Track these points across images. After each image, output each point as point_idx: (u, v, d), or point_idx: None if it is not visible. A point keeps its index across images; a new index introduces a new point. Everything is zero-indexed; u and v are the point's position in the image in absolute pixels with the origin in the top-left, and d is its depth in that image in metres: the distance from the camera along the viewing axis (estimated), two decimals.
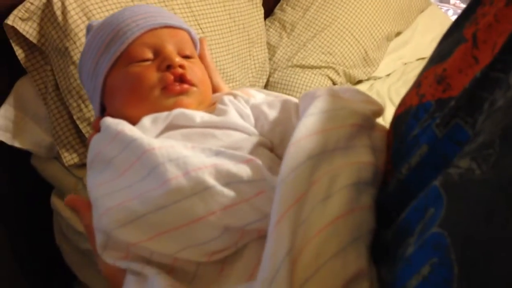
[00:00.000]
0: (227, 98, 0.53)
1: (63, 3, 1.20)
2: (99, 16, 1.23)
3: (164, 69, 0.52)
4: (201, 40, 0.61)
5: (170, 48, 0.54)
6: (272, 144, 0.47)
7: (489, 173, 0.24)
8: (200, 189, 0.38)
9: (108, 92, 0.55)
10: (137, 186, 0.40)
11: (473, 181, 0.24)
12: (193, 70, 0.54)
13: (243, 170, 0.39)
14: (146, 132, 0.47)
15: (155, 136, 0.48)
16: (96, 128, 0.53)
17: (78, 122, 1.23)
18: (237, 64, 1.64)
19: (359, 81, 1.92)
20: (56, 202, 1.34)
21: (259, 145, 0.46)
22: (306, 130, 0.35)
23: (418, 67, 2.04)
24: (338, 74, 1.81)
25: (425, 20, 2.19)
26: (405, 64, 2.07)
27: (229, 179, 0.39)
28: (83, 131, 1.23)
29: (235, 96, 0.54)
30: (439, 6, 2.56)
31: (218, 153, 0.41)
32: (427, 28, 2.17)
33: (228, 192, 0.38)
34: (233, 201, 0.38)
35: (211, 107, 0.54)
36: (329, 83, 1.78)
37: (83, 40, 1.21)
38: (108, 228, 0.39)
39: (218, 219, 0.38)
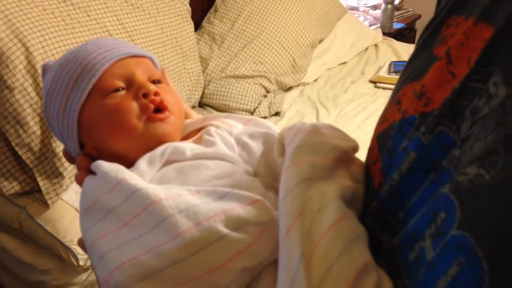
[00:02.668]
0: (213, 130, 0.55)
1: None
2: (31, 37, 1.19)
3: (140, 97, 0.53)
4: (162, 70, 0.63)
5: (141, 76, 0.54)
6: (255, 173, 0.50)
7: (499, 176, 0.26)
8: (214, 239, 0.38)
9: (85, 127, 0.54)
10: (147, 238, 0.40)
11: (485, 185, 0.27)
12: (166, 96, 0.55)
13: (252, 214, 0.40)
14: (144, 176, 0.47)
15: (152, 177, 0.49)
16: (82, 167, 0.53)
17: (17, 148, 1.17)
18: (172, 78, 1.64)
19: (290, 88, 2.01)
20: None
21: (246, 173, 0.49)
22: (295, 159, 0.40)
23: (341, 71, 2.18)
24: (271, 82, 1.88)
25: (343, 27, 2.33)
26: (329, 69, 2.20)
27: (240, 223, 0.39)
28: (24, 157, 1.17)
29: (217, 127, 0.56)
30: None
31: (223, 196, 0.42)
32: (346, 34, 2.31)
33: (241, 237, 0.39)
34: (247, 243, 0.39)
35: (197, 139, 0.55)
36: (263, 91, 1.84)
37: (16, 62, 1.16)
38: (123, 284, 0.39)
39: (235, 263, 0.39)
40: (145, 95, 0.53)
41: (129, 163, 0.50)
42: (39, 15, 1.25)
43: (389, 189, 0.37)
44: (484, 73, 0.32)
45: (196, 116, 0.63)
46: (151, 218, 0.41)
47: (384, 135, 0.40)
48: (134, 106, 0.52)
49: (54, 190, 1.20)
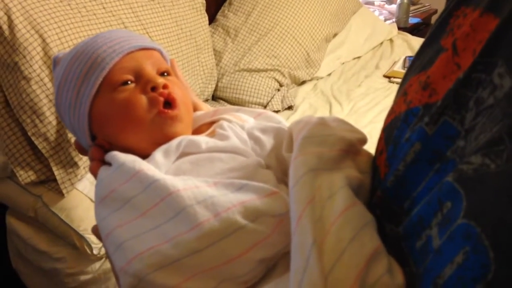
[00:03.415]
0: (226, 124, 0.55)
1: (9, 17, 1.16)
2: (48, 28, 1.20)
3: (149, 91, 0.53)
4: (172, 62, 0.63)
5: (150, 70, 0.55)
6: (267, 166, 0.50)
7: (504, 165, 0.26)
8: (232, 230, 0.39)
9: (96, 121, 0.55)
10: (165, 228, 0.41)
11: (491, 174, 0.27)
12: (175, 89, 0.55)
13: (269, 205, 0.41)
14: (160, 167, 0.48)
15: (168, 169, 0.49)
16: (95, 158, 0.54)
17: (33, 138, 1.19)
18: (187, 71, 1.65)
19: (303, 82, 2.00)
20: (12, 222, 1.28)
21: (259, 166, 0.49)
22: (303, 149, 0.41)
23: (355, 66, 2.17)
24: (284, 76, 1.88)
25: (358, 21, 2.31)
26: (343, 63, 2.19)
27: (257, 215, 0.40)
28: (39, 147, 1.19)
29: (229, 121, 0.56)
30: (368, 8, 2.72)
31: (241, 187, 0.43)
32: (360, 29, 2.30)
33: (259, 228, 0.40)
34: (264, 235, 0.40)
35: (211, 132, 0.56)
36: (276, 84, 1.84)
37: (33, 53, 1.18)
38: (142, 273, 0.39)
39: (252, 254, 0.40)
40: (154, 89, 0.53)
41: (141, 157, 0.50)
42: (56, 7, 1.26)
43: (394, 179, 0.37)
44: (489, 64, 0.32)
45: (206, 107, 0.63)
46: (169, 209, 0.41)
47: (390, 126, 0.40)
48: (143, 100, 0.53)
49: (69, 179, 1.21)
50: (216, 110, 0.59)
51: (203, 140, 0.52)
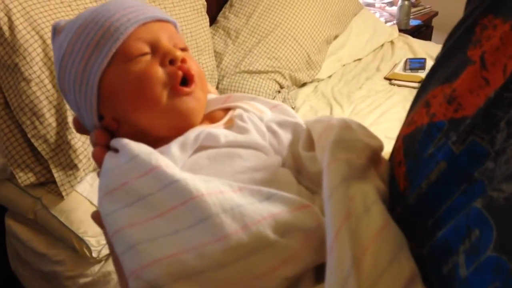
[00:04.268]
0: (245, 115, 0.52)
1: (9, 18, 1.15)
2: (48, 30, 1.20)
3: (167, 64, 0.49)
4: None
5: (167, 42, 0.51)
6: (283, 164, 0.49)
7: None
8: (262, 245, 0.37)
9: (106, 95, 0.50)
10: (186, 235, 0.38)
11: None
12: (193, 65, 0.51)
13: (301, 219, 0.38)
14: (177, 161, 0.45)
15: (184, 163, 0.46)
16: (100, 142, 0.50)
17: (33, 140, 1.18)
18: None
19: (304, 84, 2.00)
20: (11, 224, 1.28)
21: (279, 165, 0.47)
22: (335, 154, 0.39)
23: (356, 68, 2.16)
24: (285, 78, 1.87)
25: (359, 23, 2.31)
26: (344, 65, 2.18)
27: (288, 229, 0.38)
28: (39, 149, 1.19)
29: (246, 110, 0.53)
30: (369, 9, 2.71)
31: (269, 197, 0.40)
32: (361, 31, 2.29)
33: (289, 243, 0.37)
34: (293, 250, 0.38)
35: (228, 122, 0.52)
36: (277, 86, 1.84)
37: (34, 55, 1.17)
38: (159, 281, 0.37)
39: (280, 271, 0.37)
40: (172, 62, 0.49)
41: (151, 140, 0.48)
42: (57, 8, 1.26)
43: (416, 197, 0.36)
44: None
45: (213, 90, 0.60)
46: (191, 214, 0.39)
47: (411, 138, 0.39)
48: (160, 72, 0.49)
49: (69, 181, 1.21)
50: (229, 96, 0.56)
51: (222, 133, 0.48)
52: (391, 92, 1.90)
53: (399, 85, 1.96)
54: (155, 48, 0.50)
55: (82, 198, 1.22)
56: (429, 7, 3.06)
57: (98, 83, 0.50)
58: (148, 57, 0.50)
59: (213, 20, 1.97)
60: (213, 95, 0.57)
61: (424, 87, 0.42)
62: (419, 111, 0.39)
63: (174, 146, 0.46)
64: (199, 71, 0.52)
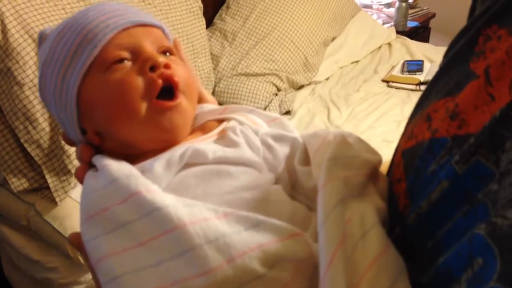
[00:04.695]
0: (238, 128, 0.49)
1: (2, 22, 1.14)
2: None
3: (147, 70, 0.45)
4: (175, 41, 0.55)
5: (149, 47, 0.47)
6: (277, 179, 0.46)
7: None
8: (249, 279, 0.35)
9: (85, 108, 0.47)
10: (169, 267, 0.36)
11: None
12: (178, 71, 0.48)
13: (291, 249, 0.36)
14: (160, 181, 0.42)
15: (169, 182, 0.44)
16: (84, 159, 0.47)
17: (26, 145, 1.16)
18: None
19: (301, 86, 1.99)
20: (5, 230, 1.26)
21: (271, 182, 0.45)
22: (331, 174, 0.37)
23: (353, 70, 2.15)
24: (282, 80, 1.86)
25: (356, 25, 2.30)
26: (341, 67, 2.17)
27: (277, 260, 0.36)
28: (32, 154, 1.17)
29: (241, 123, 0.50)
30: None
31: (257, 224, 0.37)
32: (359, 33, 2.28)
33: (278, 275, 0.35)
34: (284, 282, 0.36)
35: (221, 134, 0.49)
36: (274, 89, 1.82)
37: (27, 58, 1.15)
38: None
39: None
40: (153, 68, 0.46)
41: (138, 153, 0.46)
42: (50, 11, 1.24)
43: (416, 217, 0.34)
44: None
45: (212, 99, 0.56)
46: (174, 245, 0.36)
47: (411, 153, 0.37)
48: (139, 82, 0.45)
49: (63, 187, 1.19)
50: (226, 108, 0.53)
51: (210, 148, 0.45)
52: (389, 94, 1.89)
53: (397, 88, 1.95)
54: (136, 55, 0.47)
55: (76, 204, 1.20)
56: (426, 9, 3.06)
57: (77, 95, 0.47)
58: (128, 64, 0.46)
59: (209, 23, 1.95)
60: (210, 105, 0.54)
61: (425, 98, 0.40)
62: (420, 125, 0.38)
63: (158, 164, 0.44)
64: (186, 77, 0.49)
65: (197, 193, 0.42)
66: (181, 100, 0.47)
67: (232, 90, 1.79)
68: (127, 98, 0.45)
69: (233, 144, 0.47)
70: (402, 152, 0.39)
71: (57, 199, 1.18)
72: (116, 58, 0.46)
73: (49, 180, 1.18)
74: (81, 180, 0.46)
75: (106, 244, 0.39)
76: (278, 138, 0.49)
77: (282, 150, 0.48)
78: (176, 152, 0.45)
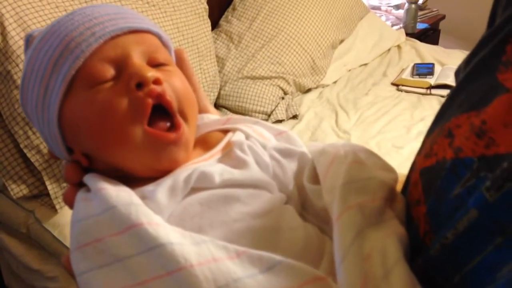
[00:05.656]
0: (246, 145, 0.45)
1: (2, 24, 1.11)
2: None
3: (133, 88, 0.39)
4: (179, 52, 0.49)
5: (137, 59, 0.41)
6: (288, 197, 0.43)
7: None
8: None
9: (69, 128, 0.42)
10: None
11: None
12: (172, 84, 0.42)
13: None
14: (163, 211, 0.38)
15: (173, 211, 0.39)
16: (71, 180, 0.42)
17: (25, 150, 1.13)
18: None
19: (308, 90, 1.94)
20: (4, 238, 1.23)
21: (282, 203, 0.41)
22: (345, 202, 0.34)
23: (362, 73, 2.10)
24: (289, 83, 1.82)
25: (365, 27, 2.25)
26: (349, 70, 2.13)
27: None
28: (32, 160, 1.14)
29: (248, 136, 0.46)
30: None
31: (273, 266, 0.33)
32: (367, 35, 2.24)
33: None
34: None
35: (227, 153, 0.45)
36: (281, 92, 1.78)
37: None
38: None
39: None
40: (140, 85, 0.40)
41: (131, 178, 0.41)
42: (51, 13, 1.21)
43: (440, 248, 0.31)
44: None
45: (214, 111, 0.52)
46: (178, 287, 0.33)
47: (431, 173, 0.34)
48: (123, 103, 0.39)
49: (63, 194, 1.16)
50: (229, 118, 0.49)
51: (217, 171, 0.41)
52: (398, 98, 1.85)
53: (406, 91, 1.90)
54: (121, 69, 0.41)
55: None
56: (436, 10, 3.01)
57: (59, 113, 0.41)
58: (112, 82, 0.41)
59: (215, 24, 1.92)
60: (211, 115, 0.50)
61: (444, 111, 0.36)
62: (440, 141, 0.34)
63: (161, 192, 0.39)
64: (183, 89, 0.43)
65: (203, 222, 0.38)
66: (183, 129, 0.41)
67: (238, 94, 1.76)
68: (113, 122, 0.39)
69: (241, 163, 0.43)
70: (420, 171, 0.36)
71: (57, 206, 1.15)
72: (99, 75, 0.40)
73: (49, 187, 1.14)
74: (70, 204, 0.41)
75: (100, 280, 0.34)
76: (286, 154, 0.45)
77: (290, 167, 0.44)
78: (179, 176, 0.40)
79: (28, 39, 0.46)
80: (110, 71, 0.41)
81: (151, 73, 0.40)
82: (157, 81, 0.40)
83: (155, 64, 0.43)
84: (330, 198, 0.36)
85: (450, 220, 0.30)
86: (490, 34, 0.34)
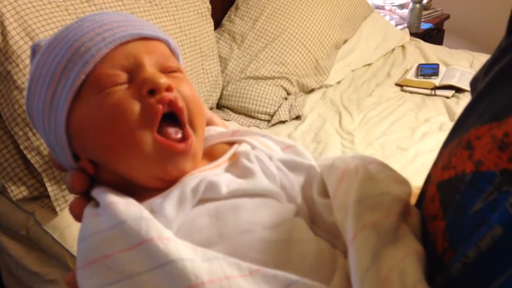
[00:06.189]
0: (252, 154, 0.44)
1: (2, 23, 1.09)
2: (43, 35, 1.13)
3: (146, 94, 0.40)
4: None
5: (149, 66, 0.42)
6: (298, 211, 0.41)
7: None
8: None
9: (76, 134, 0.41)
10: None
11: None
12: (182, 91, 0.42)
13: None
14: (171, 224, 0.37)
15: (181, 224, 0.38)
16: (77, 190, 0.42)
17: (25, 152, 1.12)
18: (190, 79, 1.58)
19: (312, 90, 1.93)
20: (3, 240, 1.22)
21: (293, 214, 0.40)
22: (359, 221, 0.33)
23: (366, 73, 2.09)
24: (292, 84, 1.80)
25: (369, 27, 2.24)
26: (353, 70, 2.11)
27: None
28: (32, 161, 1.12)
29: (253, 146, 0.45)
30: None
31: (287, 286, 0.32)
32: (371, 35, 2.22)
33: None
34: None
35: (233, 162, 0.44)
36: (284, 93, 1.77)
37: (27, 62, 1.11)
38: None
39: None
40: (153, 92, 0.40)
41: (138, 188, 0.40)
42: (53, 12, 1.19)
43: (462, 268, 0.29)
44: None
45: (221, 124, 0.51)
46: None
47: (449, 187, 0.32)
48: (135, 107, 0.39)
49: (63, 196, 1.14)
50: (236, 131, 0.48)
51: (224, 181, 0.40)
52: (402, 99, 1.83)
53: (411, 92, 1.88)
54: (133, 75, 0.41)
55: None
56: (440, 10, 2.99)
57: (67, 118, 0.41)
58: (124, 86, 0.41)
59: (218, 24, 1.90)
60: (218, 128, 0.49)
61: (463, 122, 0.35)
62: (459, 153, 0.32)
63: (169, 204, 0.38)
64: (193, 99, 0.43)
65: (212, 234, 0.37)
66: (192, 140, 0.41)
67: (241, 94, 1.74)
68: (123, 126, 0.39)
69: (247, 173, 0.42)
70: (437, 185, 0.34)
71: (57, 208, 1.13)
72: (110, 79, 0.40)
73: (49, 189, 1.13)
74: (77, 217, 0.40)
75: None
76: (293, 167, 0.44)
77: (298, 180, 0.43)
78: (187, 186, 0.39)
79: (35, 48, 0.46)
80: (121, 76, 0.41)
81: (164, 80, 0.41)
82: (169, 88, 0.41)
83: (166, 71, 0.43)
84: (341, 216, 0.35)
85: (471, 237, 0.29)
86: (510, 43, 0.33)
